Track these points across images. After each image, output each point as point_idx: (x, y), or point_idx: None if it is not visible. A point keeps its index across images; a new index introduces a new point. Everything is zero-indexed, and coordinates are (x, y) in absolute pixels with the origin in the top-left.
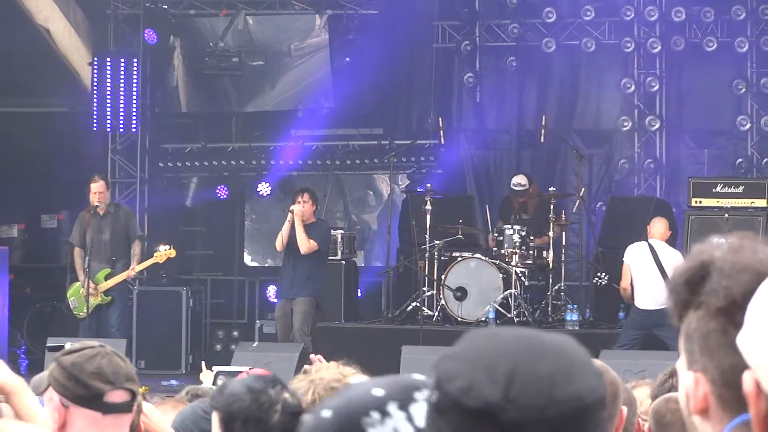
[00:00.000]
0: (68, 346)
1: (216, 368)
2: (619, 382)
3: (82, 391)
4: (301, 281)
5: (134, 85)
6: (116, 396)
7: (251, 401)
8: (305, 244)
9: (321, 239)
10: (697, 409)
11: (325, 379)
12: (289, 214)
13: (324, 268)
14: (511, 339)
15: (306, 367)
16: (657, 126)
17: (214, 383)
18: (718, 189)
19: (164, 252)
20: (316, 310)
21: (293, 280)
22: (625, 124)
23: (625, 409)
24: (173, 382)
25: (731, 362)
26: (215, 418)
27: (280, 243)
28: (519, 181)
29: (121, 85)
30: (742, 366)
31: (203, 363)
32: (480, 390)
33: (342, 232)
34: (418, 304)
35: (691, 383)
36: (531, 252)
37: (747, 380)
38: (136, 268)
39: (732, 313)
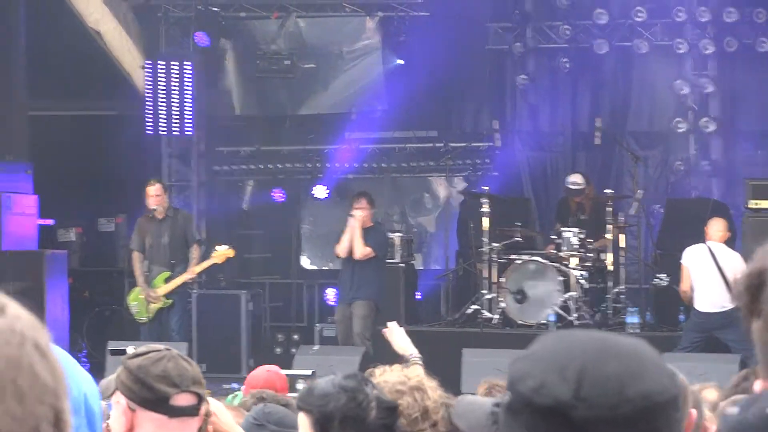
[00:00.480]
0: (130, 349)
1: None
2: (686, 385)
3: (149, 395)
4: (360, 285)
5: (187, 88)
6: (182, 399)
7: (348, 400)
8: (361, 250)
9: (377, 244)
10: None
11: (390, 382)
12: (351, 220)
13: (382, 271)
14: (583, 340)
15: (370, 370)
16: (712, 128)
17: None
18: None
19: (223, 252)
20: (375, 313)
21: (352, 284)
22: (680, 125)
23: (694, 411)
24: (234, 385)
25: None
26: (305, 420)
27: (341, 249)
28: (575, 180)
29: (174, 88)
30: None
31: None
32: (551, 389)
33: (400, 235)
34: (478, 307)
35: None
36: (590, 254)
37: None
38: (195, 269)
39: None
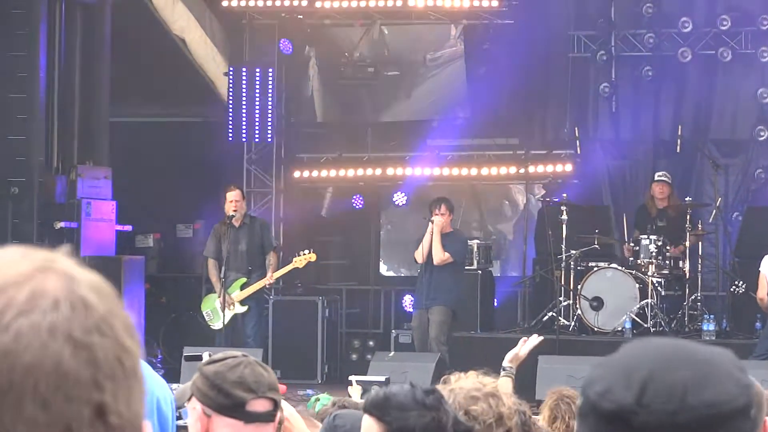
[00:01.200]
0: (206, 355)
1: (352, 377)
2: (762, 392)
3: (225, 400)
4: (437, 291)
5: (270, 94)
6: (258, 405)
7: (432, 419)
8: (439, 256)
9: (456, 251)
10: None
11: (465, 389)
12: (430, 225)
13: (461, 277)
14: (657, 347)
15: (445, 376)
16: None
17: (361, 397)
18: None
19: (304, 256)
20: (452, 319)
21: (429, 289)
22: (762, 133)
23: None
24: (309, 391)
25: None
26: (375, 427)
27: (420, 254)
28: (664, 172)
29: (257, 94)
30: None
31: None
32: (615, 394)
33: (478, 241)
34: (554, 314)
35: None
36: (667, 262)
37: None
38: (274, 275)
39: None
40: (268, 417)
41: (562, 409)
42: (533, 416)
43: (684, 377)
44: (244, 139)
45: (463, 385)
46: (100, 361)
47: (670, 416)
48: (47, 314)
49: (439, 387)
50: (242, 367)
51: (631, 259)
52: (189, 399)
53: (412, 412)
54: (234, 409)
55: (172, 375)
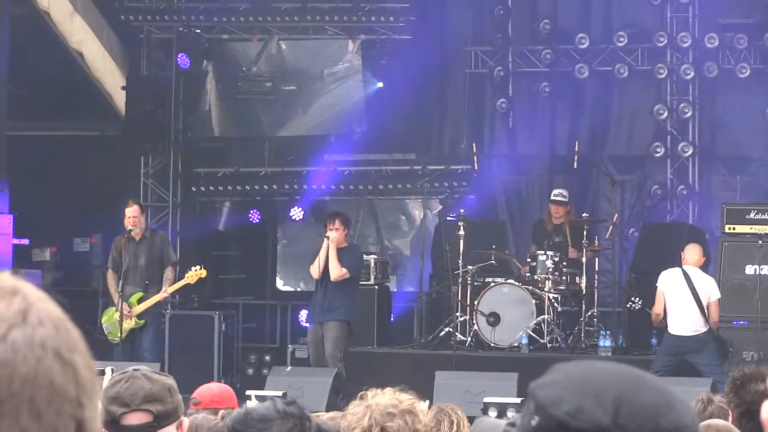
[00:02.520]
0: (108, 370)
1: (250, 392)
2: None
3: (106, 416)
4: (332, 306)
5: (167, 109)
6: (133, 418)
7: (293, 426)
8: (336, 272)
9: (351, 265)
10: None
11: (382, 405)
12: (325, 240)
13: (355, 292)
14: (612, 369)
15: (362, 392)
16: (690, 152)
17: None
18: (752, 216)
19: (195, 272)
20: (348, 335)
21: (324, 304)
22: (658, 150)
23: None
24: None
25: None
26: None
27: (316, 270)
28: (561, 191)
29: (154, 109)
30: None
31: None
32: (589, 414)
33: (375, 257)
34: (450, 330)
35: (765, 413)
36: (564, 278)
37: (764, 409)
38: (168, 290)
39: None
40: (146, 429)
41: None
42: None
43: (653, 400)
44: (141, 154)
45: (379, 402)
46: (81, 379)
47: None
48: (36, 329)
49: (356, 403)
50: (123, 381)
51: (528, 274)
52: None
53: (274, 422)
54: (111, 424)
55: None
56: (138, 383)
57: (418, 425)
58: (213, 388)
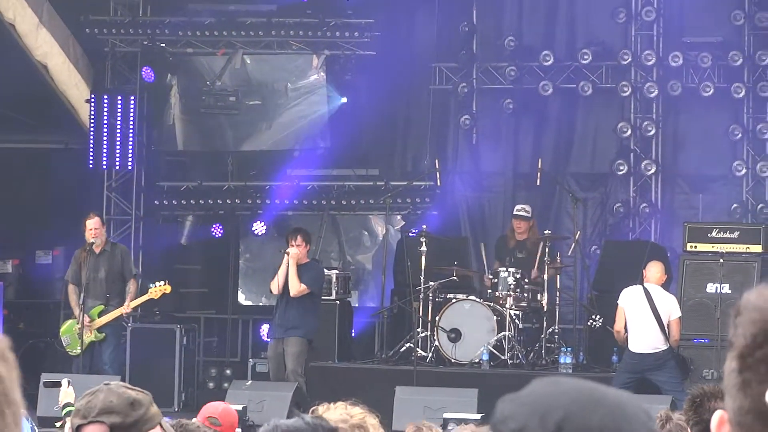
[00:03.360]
0: (65, 382)
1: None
2: None
3: (70, 428)
4: (293, 322)
5: (131, 122)
6: (90, 429)
7: None
8: (296, 287)
9: (312, 281)
10: None
11: (332, 419)
12: (285, 256)
13: (317, 308)
14: (571, 389)
15: (314, 406)
16: (653, 170)
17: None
18: (714, 234)
19: (159, 287)
20: (308, 350)
21: (284, 320)
22: (621, 167)
23: None
24: (166, 419)
25: (740, 404)
26: None
27: (276, 286)
28: (524, 206)
29: (118, 122)
30: (750, 407)
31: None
32: None
33: (337, 272)
34: (411, 345)
35: (715, 421)
36: (525, 294)
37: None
38: (131, 304)
39: (744, 355)
40: None
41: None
42: None
43: (599, 421)
44: (104, 167)
45: (330, 416)
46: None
47: None
48: None
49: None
50: (89, 395)
51: (490, 291)
52: None
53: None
54: None
55: (29, 401)
56: (100, 396)
57: None
58: (232, 414)
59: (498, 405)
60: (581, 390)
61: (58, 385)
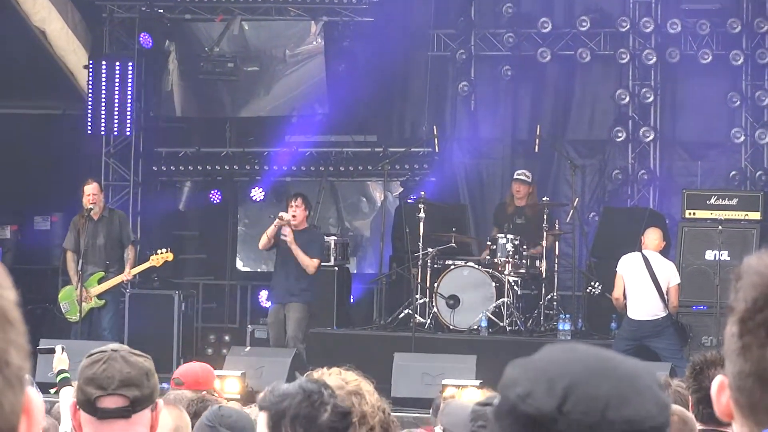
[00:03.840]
0: (59, 348)
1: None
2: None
3: (80, 396)
4: (296, 287)
5: (129, 88)
6: (109, 402)
7: (303, 398)
8: (310, 266)
9: (319, 251)
10: (721, 413)
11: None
12: (277, 220)
13: (317, 274)
14: (582, 357)
15: (308, 372)
16: (651, 137)
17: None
18: (712, 201)
19: (161, 255)
20: (309, 316)
21: (287, 285)
22: (619, 134)
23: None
24: (164, 385)
25: (740, 368)
26: (263, 417)
27: (264, 241)
28: (523, 171)
29: (116, 88)
30: (751, 371)
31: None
32: (536, 398)
33: (335, 238)
34: (410, 312)
35: (715, 387)
36: (524, 261)
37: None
38: (131, 271)
39: (745, 319)
40: (121, 413)
41: None
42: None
43: (606, 390)
44: (103, 132)
45: (326, 383)
46: None
47: (589, 428)
48: None
49: None
50: (101, 363)
51: (488, 257)
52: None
53: (288, 396)
54: (86, 405)
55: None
56: (116, 366)
57: (365, 406)
58: (195, 369)
59: (507, 369)
60: (593, 358)
61: (51, 351)
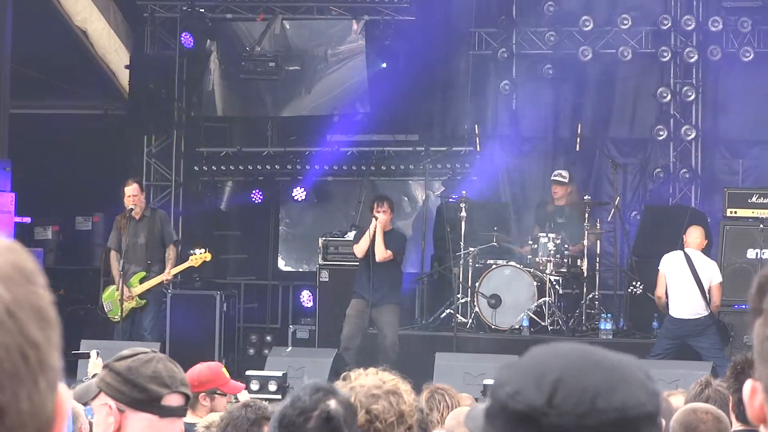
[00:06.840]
0: (93, 354)
1: (249, 372)
2: (664, 399)
3: (140, 395)
4: (386, 287)
5: (173, 88)
6: (173, 400)
7: (288, 405)
8: (382, 254)
9: (397, 249)
10: (754, 417)
11: (366, 386)
12: (373, 221)
13: (401, 274)
14: (567, 352)
15: (345, 373)
16: (692, 135)
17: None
18: (754, 199)
19: (200, 255)
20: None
21: (375, 284)
22: (661, 133)
23: (663, 421)
24: None
25: None
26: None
27: (360, 249)
28: (561, 171)
29: (158, 88)
30: None
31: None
32: (525, 395)
33: None
34: (452, 311)
35: (747, 391)
36: (565, 260)
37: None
38: (171, 271)
39: None
40: (181, 411)
41: (436, 399)
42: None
43: (595, 381)
44: (144, 132)
45: (363, 383)
46: (19, 304)
47: (580, 418)
48: None
49: (340, 384)
50: (155, 362)
51: (530, 257)
52: (96, 396)
53: (284, 402)
54: (149, 403)
55: (69, 369)
56: (169, 365)
57: (402, 406)
58: (196, 371)
59: (497, 371)
60: (578, 353)
61: (86, 356)
